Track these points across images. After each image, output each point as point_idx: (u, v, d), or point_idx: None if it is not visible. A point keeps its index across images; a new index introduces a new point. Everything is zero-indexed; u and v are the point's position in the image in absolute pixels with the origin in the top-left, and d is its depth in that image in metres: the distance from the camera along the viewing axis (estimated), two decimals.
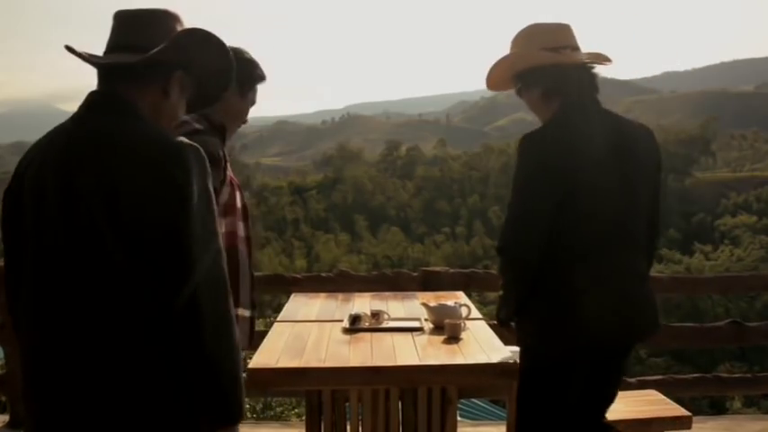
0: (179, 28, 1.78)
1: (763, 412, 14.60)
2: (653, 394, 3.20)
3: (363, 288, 4.17)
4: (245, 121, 2.58)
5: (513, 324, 2.47)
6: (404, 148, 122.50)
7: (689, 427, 2.94)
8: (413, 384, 2.47)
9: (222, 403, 1.61)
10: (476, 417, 6.04)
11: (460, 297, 3.69)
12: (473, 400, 6.22)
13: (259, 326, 4.40)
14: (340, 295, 3.82)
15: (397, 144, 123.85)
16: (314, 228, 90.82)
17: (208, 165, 1.68)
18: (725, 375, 4.48)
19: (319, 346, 2.69)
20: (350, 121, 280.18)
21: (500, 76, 2.54)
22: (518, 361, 2.49)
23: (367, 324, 3.00)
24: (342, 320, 3.06)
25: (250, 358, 2.62)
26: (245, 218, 2.51)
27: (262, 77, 2.55)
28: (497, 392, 3.69)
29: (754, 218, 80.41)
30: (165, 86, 1.77)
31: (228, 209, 2.43)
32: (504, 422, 3.70)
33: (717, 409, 17.09)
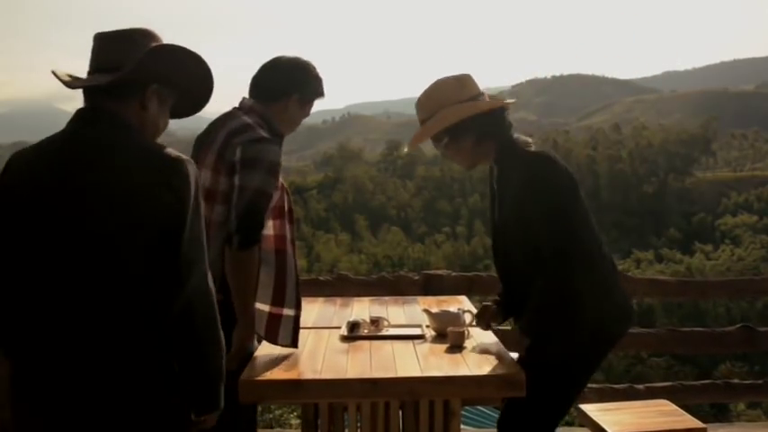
0: (153, 45, 1.89)
1: None
2: (665, 404, 3.07)
3: (363, 292, 4.04)
4: (293, 130, 2.82)
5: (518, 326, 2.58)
6: (404, 147, 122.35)
7: None
8: (414, 397, 2.34)
9: (208, 394, 1.83)
10: (480, 425, 5.91)
11: (463, 302, 3.55)
12: (477, 407, 6.09)
13: None
14: (338, 300, 3.69)
15: (397, 144, 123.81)
16: (314, 227, 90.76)
17: (199, 178, 1.84)
18: (734, 382, 4.33)
19: (316, 356, 2.56)
20: (350, 120, 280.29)
21: (426, 135, 2.68)
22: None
23: (366, 331, 2.87)
24: (340, 327, 2.93)
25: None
26: (291, 221, 2.70)
27: (322, 94, 2.81)
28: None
29: (755, 217, 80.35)
30: (143, 100, 1.89)
31: (279, 212, 2.65)
32: None
33: (718, 408, 16.94)
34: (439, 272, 4.13)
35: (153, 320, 1.73)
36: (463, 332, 2.71)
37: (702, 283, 4.41)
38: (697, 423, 2.80)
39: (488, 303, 2.87)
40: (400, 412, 2.41)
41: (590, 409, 3.02)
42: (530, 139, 2.64)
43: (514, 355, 2.68)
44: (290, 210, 2.71)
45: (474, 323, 2.88)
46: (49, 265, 1.71)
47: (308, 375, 2.34)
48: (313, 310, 3.42)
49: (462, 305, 3.45)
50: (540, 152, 2.56)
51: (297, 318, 2.65)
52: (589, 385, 3.57)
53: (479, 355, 2.55)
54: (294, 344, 2.63)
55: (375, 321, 2.93)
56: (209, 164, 2.57)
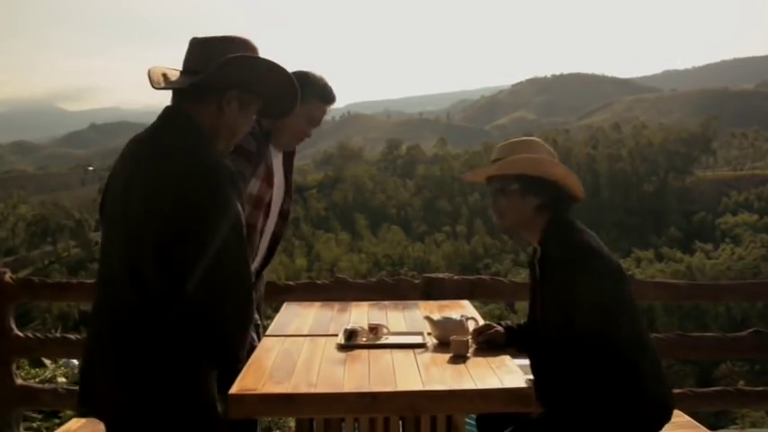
0: (237, 52, 2.06)
1: None
2: (679, 415, 2.92)
3: (361, 296, 3.89)
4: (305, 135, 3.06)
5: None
6: (404, 146, 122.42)
7: None
8: (415, 412, 2.19)
9: (223, 350, 2.06)
10: None
11: (465, 307, 3.41)
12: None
13: None
14: (336, 305, 3.54)
15: (397, 143, 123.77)
16: (314, 227, 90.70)
17: (240, 185, 2.04)
18: (747, 389, 4.19)
19: (311, 367, 2.41)
20: (350, 119, 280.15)
21: (502, 171, 2.55)
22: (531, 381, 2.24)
23: (364, 339, 2.72)
24: (336, 335, 2.78)
25: None
26: (267, 213, 2.89)
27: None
28: None
29: (755, 216, 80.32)
30: (220, 104, 2.07)
31: (255, 201, 2.82)
32: None
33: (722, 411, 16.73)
34: (440, 275, 3.97)
35: (165, 311, 1.94)
36: (467, 341, 2.56)
37: (715, 286, 4.25)
38: None
39: (495, 324, 2.73)
40: (401, 425, 2.27)
41: None
42: (582, 226, 2.52)
43: (519, 361, 2.56)
44: (269, 203, 2.87)
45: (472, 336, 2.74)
46: (106, 240, 2.10)
47: (303, 389, 2.19)
48: (309, 315, 3.27)
49: (465, 310, 3.31)
50: (587, 240, 2.45)
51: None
52: None
53: (484, 366, 2.40)
54: None
55: (374, 329, 2.78)
56: None
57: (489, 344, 2.65)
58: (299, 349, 2.64)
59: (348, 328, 2.75)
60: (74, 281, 4.13)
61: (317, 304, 3.55)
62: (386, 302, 3.59)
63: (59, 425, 4.07)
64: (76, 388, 2.24)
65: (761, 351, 4.08)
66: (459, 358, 2.48)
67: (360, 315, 3.26)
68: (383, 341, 2.72)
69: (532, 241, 2.60)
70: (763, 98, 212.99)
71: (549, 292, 2.51)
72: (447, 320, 2.73)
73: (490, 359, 2.50)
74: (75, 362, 5.05)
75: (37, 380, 4.99)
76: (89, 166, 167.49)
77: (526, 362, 2.89)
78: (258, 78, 2.11)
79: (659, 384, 2.41)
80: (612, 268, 2.44)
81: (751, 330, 4.04)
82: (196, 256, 1.89)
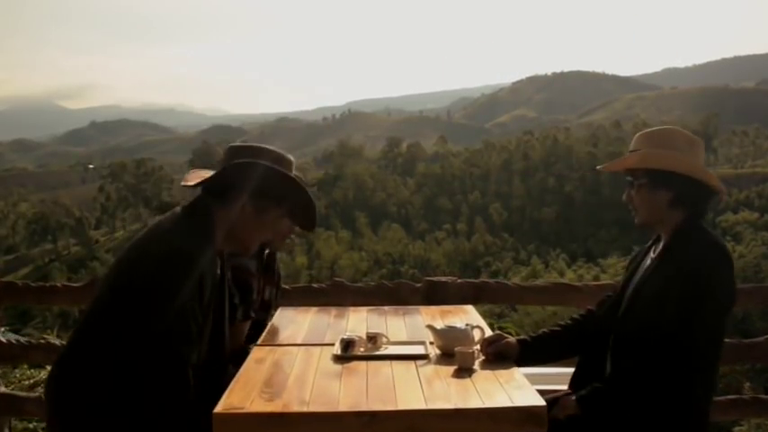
0: (264, 163, 2.25)
1: None
2: None
3: (360, 300, 3.71)
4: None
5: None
6: (405, 144, 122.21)
7: None
8: None
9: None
10: None
11: (469, 312, 3.23)
12: None
13: None
14: (333, 310, 3.36)
15: (397, 141, 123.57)
16: None
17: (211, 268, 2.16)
18: (764, 397, 4.00)
19: (304, 381, 2.23)
20: (351, 117, 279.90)
21: (628, 165, 2.48)
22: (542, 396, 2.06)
23: (362, 350, 2.54)
24: (333, 344, 2.60)
25: None
26: None
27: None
28: None
29: (756, 214, 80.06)
30: (232, 205, 2.21)
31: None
32: None
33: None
34: (443, 279, 3.79)
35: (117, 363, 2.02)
36: (473, 353, 2.37)
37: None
38: None
39: (506, 335, 2.56)
40: None
41: None
42: (717, 236, 2.41)
43: (525, 370, 2.39)
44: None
45: (479, 346, 2.56)
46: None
47: (295, 407, 2.00)
48: (305, 322, 3.09)
49: (469, 316, 3.13)
50: (720, 247, 2.34)
51: None
52: None
53: (492, 381, 2.22)
54: None
55: (372, 338, 2.60)
56: None
57: (499, 356, 2.48)
58: (291, 361, 2.46)
59: (345, 337, 2.57)
60: (59, 284, 3.96)
61: (313, 309, 3.38)
62: (385, 307, 3.41)
63: None
64: None
65: None
66: (464, 371, 2.31)
67: (358, 321, 3.08)
68: (382, 352, 2.54)
69: (663, 233, 2.49)
70: (763, 96, 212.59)
71: (655, 284, 2.36)
72: (451, 330, 2.55)
73: (498, 372, 2.32)
74: None
75: (31, 381, 4.86)
76: (89, 163, 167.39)
77: (532, 370, 2.72)
78: (273, 190, 2.24)
79: (705, 421, 2.37)
80: (734, 288, 2.34)
81: None
82: (134, 325, 2.01)
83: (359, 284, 4.00)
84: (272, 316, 3.18)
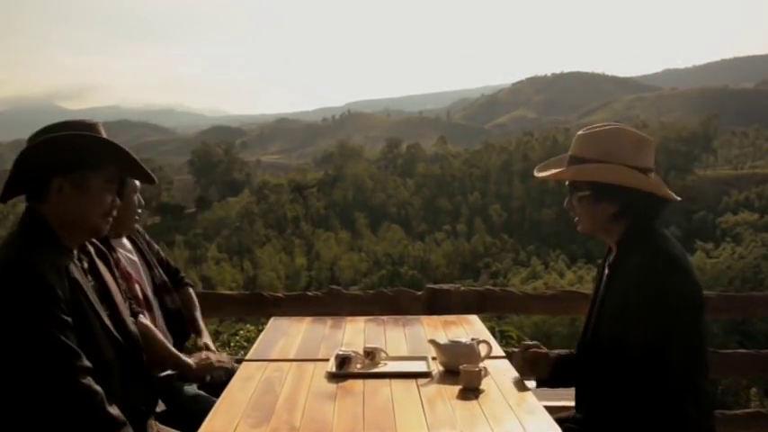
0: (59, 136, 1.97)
1: None
2: None
3: (357, 309, 3.52)
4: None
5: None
6: (404, 145, 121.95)
7: None
8: None
9: None
10: None
11: (473, 323, 3.04)
12: None
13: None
14: (329, 320, 3.17)
15: (397, 141, 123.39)
16: (314, 225, 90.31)
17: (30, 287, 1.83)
18: None
19: (295, 403, 2.04)
20: (350, 118, 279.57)
21: (568, 176, 2.30)
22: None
23: (359, 366, 2.35)
24: (327, 360, 2.41)
25: None
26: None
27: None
28: None
29: (756, 215, 79.91)
30: (52, 195, 1.96)
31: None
32: None
33: None
34: (445, 286, 3.59)
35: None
36: (479, 371, 2.18)
37: (747, 297, 3.89)
38: None
39: (542, 350, 2.41)
40: None
41: None
42: (671, 238, 2.23)
43: (530, 384, 2.24)
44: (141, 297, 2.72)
45: (490, 352, 2.38)
46: None
47: None
48: (298, 334, 2.90)
49: (474, 328, 2.95)
50: (664, 254, 2.14)
51: None
52: None
53: (501, 403, 2.03)
54: None
55: (370, 353, 2.41)
56: None
57: (531, 363, 2.35)
58: (282, 379, 2.28)
59: (340, 353, 2.38)
60: None
61: (308, 319, 3.19)
62: (384, 318, 3.22)
63: None
64: None
65: None
66: (470, 392, 2.11)
67: (355, 332, 2.89)
68: (381, 369, 2.35)
69: (610, 243, 2.32)
70: (763, 97, 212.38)
71: (613, 300, 2.19)
72: (455, 345, 2.36)
73: (506, 392, 2.13)
74: None
75: None
76: None
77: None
78: (75, 153, 1.95)
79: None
80: (696, 291, 2.12)
81: None
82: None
83: (356, 292, 3.82)
84: (191, 294, 3.06)
